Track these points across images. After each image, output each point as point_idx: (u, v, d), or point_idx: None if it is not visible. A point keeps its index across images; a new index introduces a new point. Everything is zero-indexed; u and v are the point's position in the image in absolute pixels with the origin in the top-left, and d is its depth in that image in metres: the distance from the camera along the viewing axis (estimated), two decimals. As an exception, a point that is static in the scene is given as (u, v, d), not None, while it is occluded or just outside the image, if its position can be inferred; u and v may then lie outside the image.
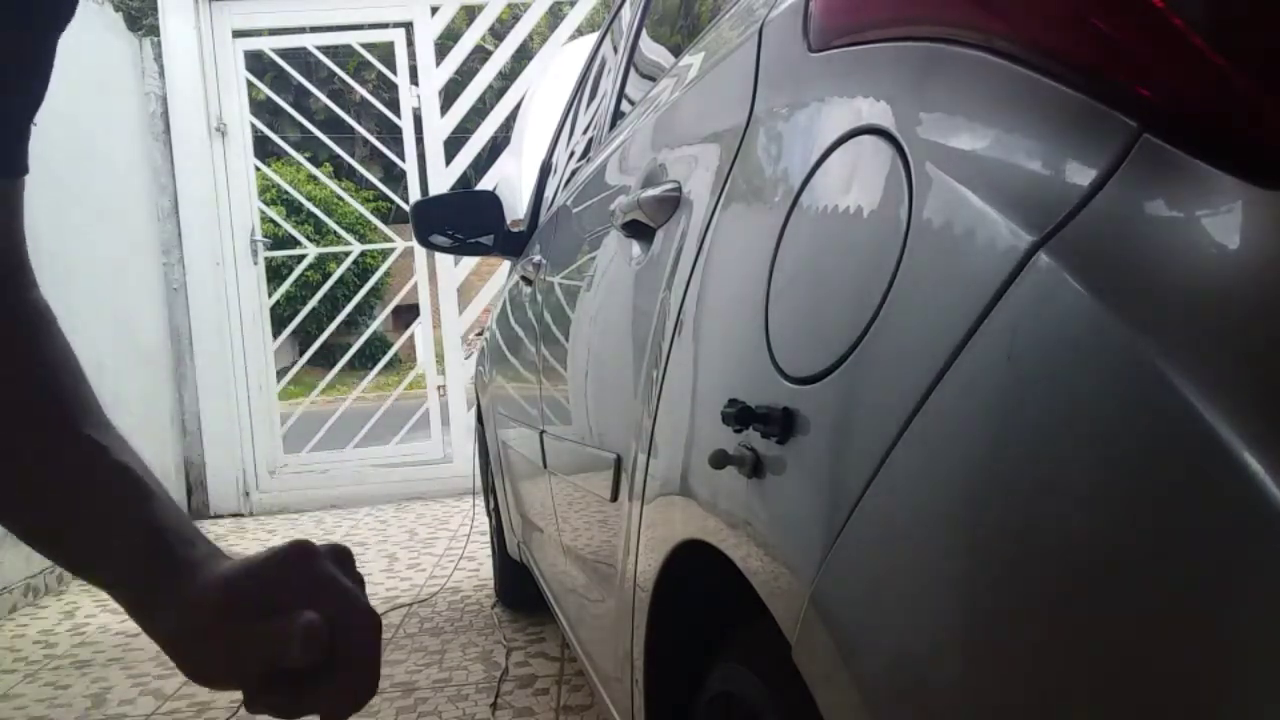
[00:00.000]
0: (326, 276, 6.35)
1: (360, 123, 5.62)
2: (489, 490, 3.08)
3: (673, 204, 0.99)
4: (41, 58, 0.50)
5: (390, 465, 5.10)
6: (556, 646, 2.52)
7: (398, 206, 4.98)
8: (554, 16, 5.28)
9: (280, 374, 5.19)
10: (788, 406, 0.62)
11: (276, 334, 5.17)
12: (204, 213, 4.76)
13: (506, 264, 3.25)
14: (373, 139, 5.47)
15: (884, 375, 0.53)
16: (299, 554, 0.49)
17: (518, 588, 2.71)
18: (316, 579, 0.48)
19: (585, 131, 1.94)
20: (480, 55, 5.43)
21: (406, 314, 10.49)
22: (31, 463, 0.51)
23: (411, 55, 4.98)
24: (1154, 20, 0.40)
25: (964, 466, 0.46)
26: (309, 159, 7.44)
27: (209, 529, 4.64)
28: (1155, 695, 0.35)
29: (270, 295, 5.16)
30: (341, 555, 0.51)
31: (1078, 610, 0.38)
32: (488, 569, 3.30)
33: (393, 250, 5.46)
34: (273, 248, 5.39)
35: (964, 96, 0.52)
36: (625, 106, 1.57)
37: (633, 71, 1.59)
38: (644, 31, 1.60)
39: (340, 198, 6.58)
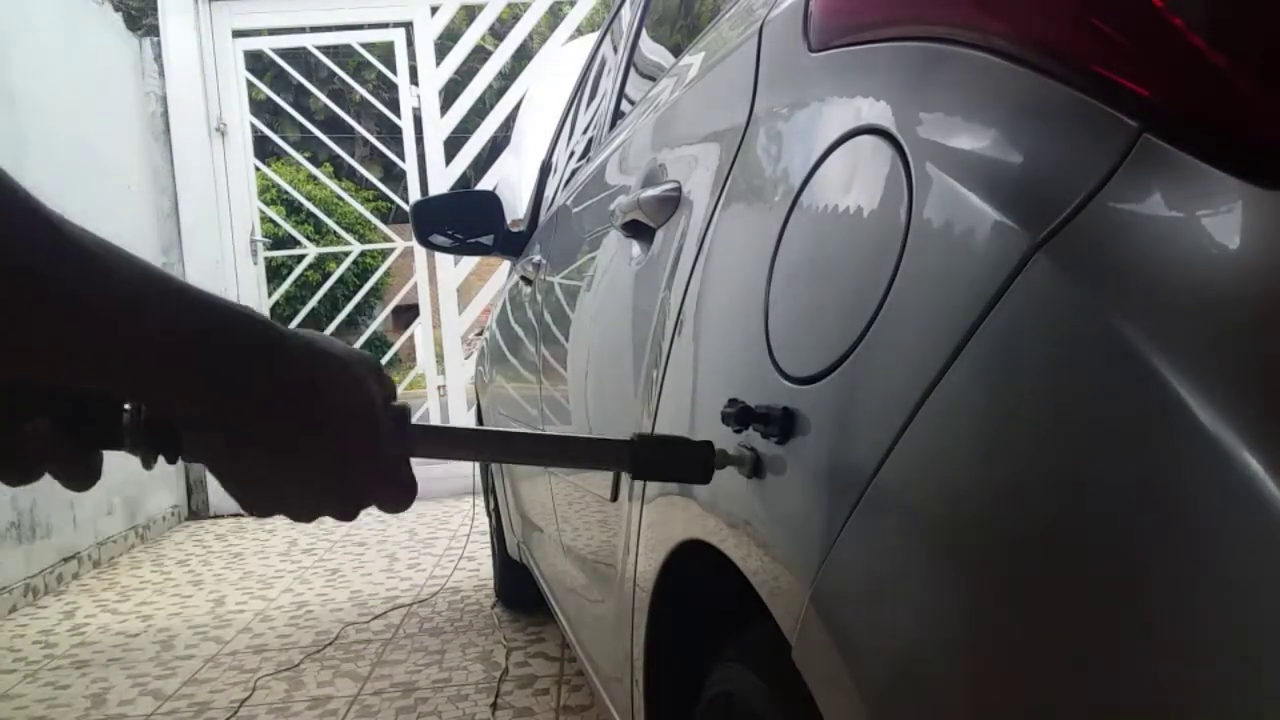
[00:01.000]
0: (326, 276, 6.35)
1: (360, 123, 5.62)
2: (489, 490, 3.09)
3: (673, 204, 0.99)
4: None
5: (390, 465, 5.08)
6: (556, 646, 2.52)
7: (398, 206, 4.99)
8: (554, 16, 5.29)
9: (280, 374, 5.19)
10: (788, 406, 0.61)
11: (276, 334, 5.17)
12: (204, 212, 4.77)
13: (506, 264, 3.25)
14: (373, 139, 5.48)
15: (884, 375, 0.53)
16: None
17: (518, 588, 2.71)
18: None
19: (585, 131, 1.94)
20: (480, 55, 5.44)
21: (406, 314, 10.47)
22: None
23: (411, 55, 4.99)
24: (1154, 20, 0.40)
25: (964, 466, 0.46)
26: (309, 159, 7.44)
27: (209, 529, 4.64)
28: (1155, 695, 0.35)
29: (270, 295, 5.17)
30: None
31: (1078, 610, 0.38)
32: (488, 569, 3.30)
33: (392, 250, 5.47)
34: (272, 247, 5.40)
35: (964, 96, 0.52)
36: (625, 106, 1.57)
37: (633, 71, 1.59)
38: (644, 31, 1.60)
39: (340, 198, 6.59)
